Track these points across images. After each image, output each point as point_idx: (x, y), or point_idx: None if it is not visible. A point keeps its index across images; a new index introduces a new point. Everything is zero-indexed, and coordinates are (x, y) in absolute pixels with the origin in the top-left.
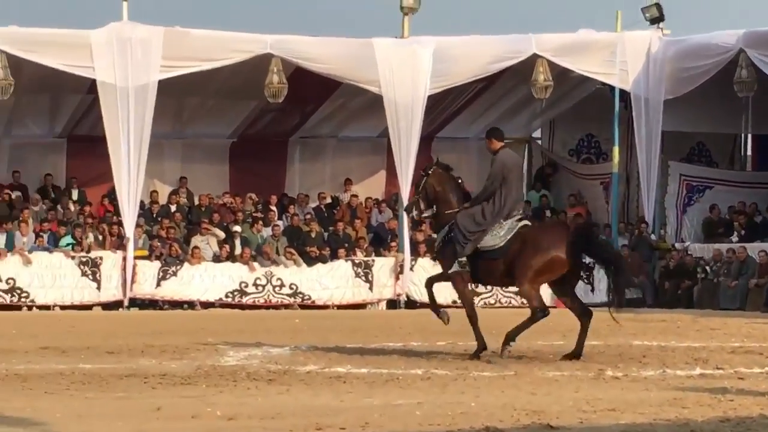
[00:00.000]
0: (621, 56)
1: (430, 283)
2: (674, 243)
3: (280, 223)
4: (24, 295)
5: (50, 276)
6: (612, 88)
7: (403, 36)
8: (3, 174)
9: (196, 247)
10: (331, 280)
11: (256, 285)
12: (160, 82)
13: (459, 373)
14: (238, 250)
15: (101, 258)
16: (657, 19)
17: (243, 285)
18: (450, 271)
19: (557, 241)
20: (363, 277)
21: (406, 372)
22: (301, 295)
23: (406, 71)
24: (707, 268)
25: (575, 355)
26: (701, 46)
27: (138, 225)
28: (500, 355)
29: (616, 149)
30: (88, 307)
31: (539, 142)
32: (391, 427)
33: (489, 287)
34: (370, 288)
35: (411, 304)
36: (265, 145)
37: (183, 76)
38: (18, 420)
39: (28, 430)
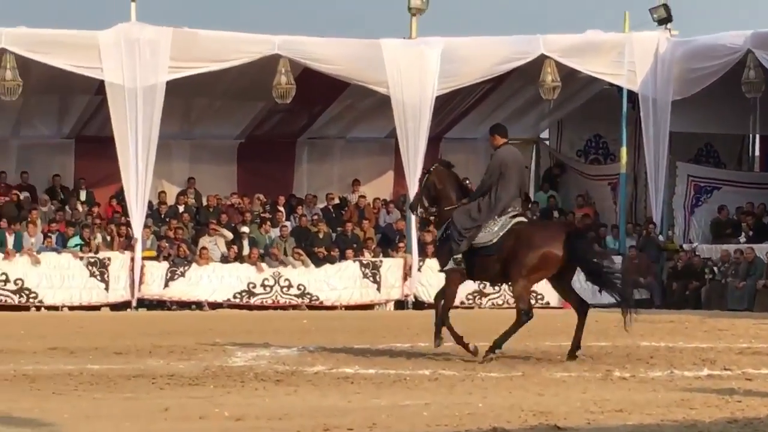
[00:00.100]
0: (629, 57)
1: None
2: (682, 244)
3: (288, 223)
4: (32, 295)
5: (58, 277)
6: (620, 88)
7: (411, 37)
8: (11, 175)
9: (204, 248)
10: (338, 281)
11: (263, 286)
12: (168, 82)
13: (467, 374)
14: (246, 251)
15: (109, 259)
16: (665, 20)
17: (251, 286)
18: (446, 269)
19: (550, 237)
20: (371, 278)
21: (414, 373)
22: (308, 296)
23: (413, 72)
24: (715, 269)
25: (573, 351)
26: (709, 46)
27: (146, 226)
28: (482, 359)
29: (623, 150)
30: (96, 307)
31: (547, 142)
32: (399, 427)
33: (497, 288)
34: (378, 289)
35: (419, 304)
36: (273, 145)
37: (191, 76)
38: (26, 420)
39: (36, 431)
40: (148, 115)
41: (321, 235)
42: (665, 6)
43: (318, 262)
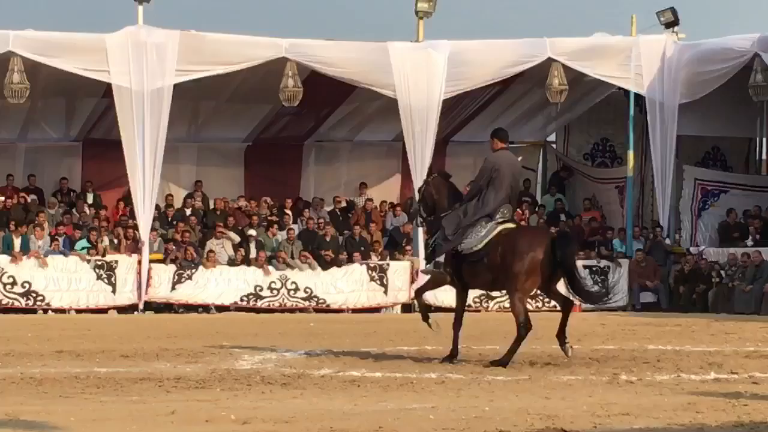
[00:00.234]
0: (636, 60)
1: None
2: (689, 247)
3: (295, 226)
4: (39, 298)
5: (65, 279)
6: (627, 92)
7: (418, 40)
8: (19, 177)
9: (211, 251)
10: (345, 284)
11: (270, 289)
12: (175, 85)
13: (473, 378)
14: (253, 254)
15: (116, 261)
16: (672, 23)
17: (258, 289)
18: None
19: (535, 243)
20: (378, 281)
21: (420, 376)
22: (315, 299)
23: (421, 75)
24: (722, 272)
25: (562, 345)
26: (716, 50)
27: (153, 228)
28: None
29: (630, 153)
30: (103, 310)
31: (554, 146)
32: (405, 431)
33: (503, 291)
34: (385, 292)
35: (429, 309)
36: (280, 148)
37: (198, 79)
38: (33, 423)
39: None
40: (155, 118)
41: (328, 238)
42: (672, 9)
43: (325, 265)
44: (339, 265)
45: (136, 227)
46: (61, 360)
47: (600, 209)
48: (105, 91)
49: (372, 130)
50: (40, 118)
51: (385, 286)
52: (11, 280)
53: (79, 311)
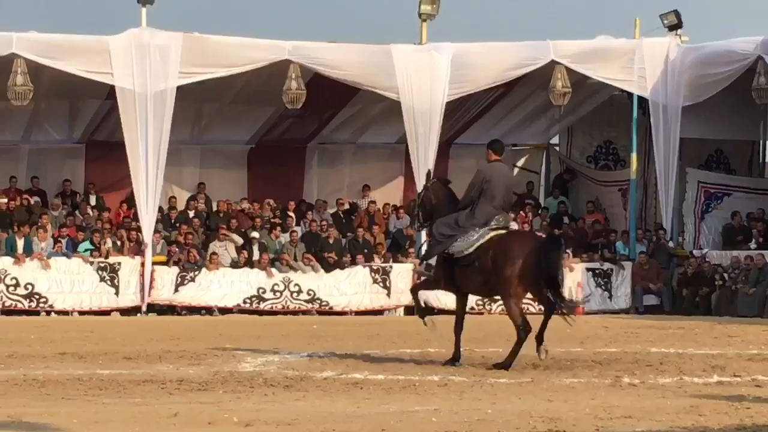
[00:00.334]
0: (639, 63)
1: (415, 290)
2: (692, 250)
3: (298, 229)
4: (42, 300)
5: (68, 281)
6: (630, 94)
7: (421, 42)
8: (22, 179)
9: (214, 253)
10: (348, 286)
11: (273, 291)
12: (178, 87)
13: (476, 380)
14: (256, 256)
15: (119, 263)
16: (675, 26)
17: (261, 291)
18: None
19: (522, 248)
20: (381, 283)
21: (423, 378)
22: (318, 301)
23: (424, 77)
24: (725, 275)
25: (538, 345)
26: (719, 53)
27: (156, 231)
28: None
29: (634, 156)
30: (106, 312)
31: (557, 148)
32: None
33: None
34: (388, 294)
35: (429, 310)
36: (283, 151)
37: (202, 81)
38: (35, 425)
39: None
40: (158, 120)
41: (331, 241)
42: (676, 12)
43: (328, 267)
44: (342, 268)
45: (139, 229)
46: (64, 362)
47: (603, 212)
48: (108, 93)
49: (375, 133)
50: (43, 120)
51: (388, 288)
52: (14, 281)
53: (82, 313)
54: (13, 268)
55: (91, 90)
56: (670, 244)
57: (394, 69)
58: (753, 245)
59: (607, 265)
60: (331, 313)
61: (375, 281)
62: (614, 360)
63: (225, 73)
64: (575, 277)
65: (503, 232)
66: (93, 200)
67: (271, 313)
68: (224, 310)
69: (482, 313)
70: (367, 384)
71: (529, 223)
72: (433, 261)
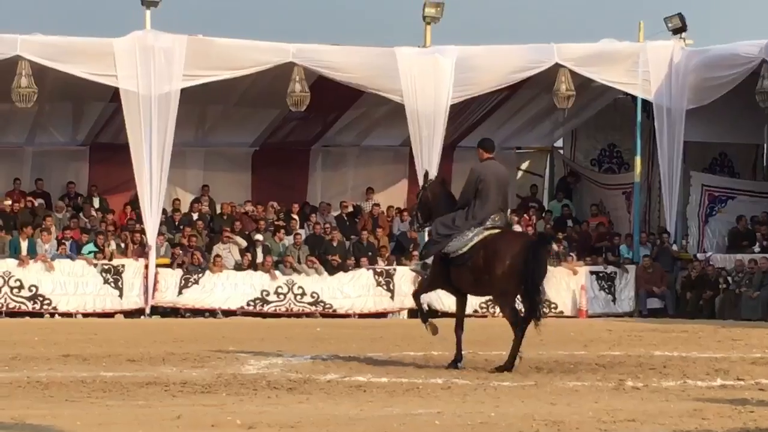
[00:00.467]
0: (643, 66)
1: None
2: (696, 253)
3: (301, 231)
4: (46, 302)
5: (72, 283)
6: (634, 98)
7: (425, 45)
8: (26, 182)
9: (217, 256)
10: (352, 289)
11: (277, 293)
12: (182, 90)
13: (479, 383)
14: (259, 259)
15: (123, 266)
16: (679, 29)
17: (264, 293)
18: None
19: (511, 248)
20: (384, 286)
21: (426, 381)
22: (322, 304)
23: (428, 80)
24: (729, 278)
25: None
26: (723, 56)
27: (160, 233)
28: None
29: (637, 159)
30: (110, 314)
31: (561, 151)
32: None
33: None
34: (392, 297)
35: (432, 313)
36: (287, 153)
37: (206, 84)
38: (39, 427)
39: None
40: (162, 122)
41: (335, 243)
42: (680, 15)
43: (332, 270)
44: (346, 270)
45: (143, 231)
46: (68, 364)
47: (607, 215)
48: (112, 95)
49: (379, 135)
50: (47, 122)
51: (391, 291)
52: (18, 283)
53: (85, 315)
54: (17, 270)
55: (95, 92)
56: (674, 247)
57: (398, 72)
58: (757, 248)
59: (610, 269)
60: (335, 315)
61: (378, 284)
62: (618, 363)
63: (229, 75)
64: (579, 281)
65: (496, 231)
66: (97, 202)
67: (275, 315)
68: (228, 313)
69: (485, 317)
70: (370, 387)
71: (533, 226)
72: (430, 260)
